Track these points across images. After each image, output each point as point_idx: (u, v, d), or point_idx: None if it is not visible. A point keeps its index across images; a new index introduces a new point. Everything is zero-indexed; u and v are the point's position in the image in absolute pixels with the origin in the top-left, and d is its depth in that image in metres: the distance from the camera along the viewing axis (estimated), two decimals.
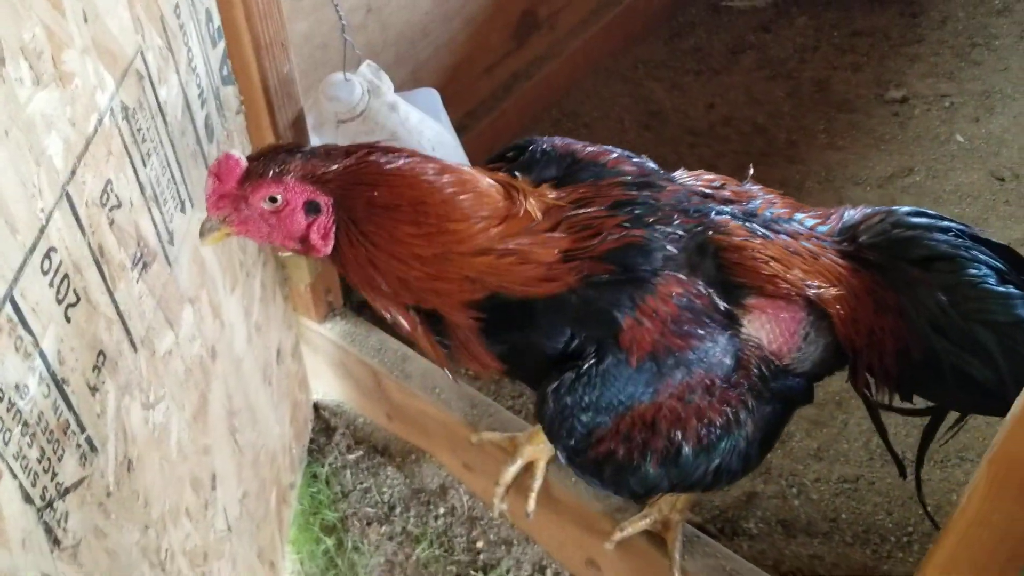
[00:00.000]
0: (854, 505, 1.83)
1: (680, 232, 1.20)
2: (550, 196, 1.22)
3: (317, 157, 1.18)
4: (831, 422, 1.96)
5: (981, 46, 2.76)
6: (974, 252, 1.23)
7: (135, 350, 1.09)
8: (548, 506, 1.65)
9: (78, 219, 0.94)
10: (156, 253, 1.14)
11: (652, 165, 1.34)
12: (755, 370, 1.23)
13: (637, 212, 1.20)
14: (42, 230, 0.87)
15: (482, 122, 2.28)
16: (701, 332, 1.19)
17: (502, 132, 2.34)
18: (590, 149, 1.34)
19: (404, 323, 1.23)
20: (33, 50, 0.84)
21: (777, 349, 1.25)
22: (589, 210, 1.20)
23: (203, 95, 1.29)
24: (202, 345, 1.31)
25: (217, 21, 1.33)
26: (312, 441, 1.95)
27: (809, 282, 1.24)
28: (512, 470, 1.64)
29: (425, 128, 1.63)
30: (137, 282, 1.08)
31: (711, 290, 1.20)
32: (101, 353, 1.00)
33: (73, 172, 0.93)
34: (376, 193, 1.16)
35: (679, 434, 1.21)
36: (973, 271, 1.22)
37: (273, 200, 1.16)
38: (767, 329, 1.23)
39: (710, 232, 1.21)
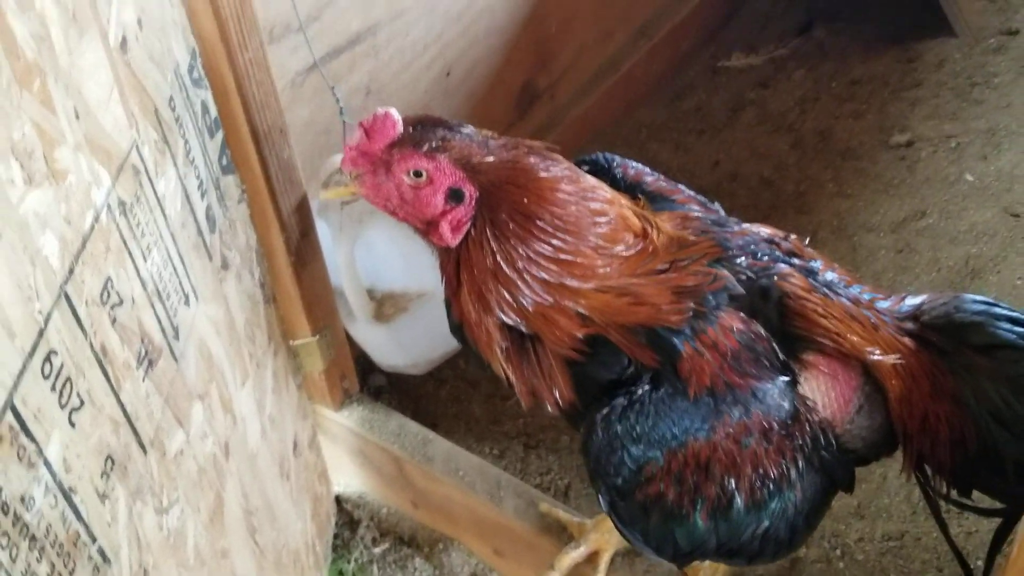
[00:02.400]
0: (901, 564, 1.75)
1: (748, 274, 1.16)
2: (668, 227, 1.19)
3: (475, 143, 1.12)
4: (870, 477, 1.88)
5: (981, 85, 2.74)
6: None
7: (144, 452, 1.04)
8: None
9: (78, 319, 0.90)
10: (161, 349, 1.11)
11: (720, 211, 1.32)
12: (808, 429, 1.17)
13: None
14: (41, 333, 0.84)
15: None
16: (760, 373, 1.14)
17: None
18: (661, 183, 1.32)
19: (496, 342, 1.15)
20: (24, 149, 0.82)
21: (831, 415, 1.19)
22: (695, 251, 1.16)
23: (203, 186, 1.27)
24: (214, 442, 1.27)
25: (214, 112, 1.32)
26: (336, 536, 1.88)
27: (868, 347, 1.19)
28: (574, 555, 1.52)
29: None
30: (143, 380, 1.05)
31: (770, 336, 1.16)
32: (109, 458, 0.96)
33: (71, 271, 0.90)
34: (525, 200, 1.10)
35: (733, 482, 1.14)
36: None
37: (418, 175, 1.10)
38: (823, 391, 1.18)
39: (775, 278, 1.17)
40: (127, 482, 0.99)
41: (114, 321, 0.98)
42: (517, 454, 1.96)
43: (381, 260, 1.69)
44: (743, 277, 1.15)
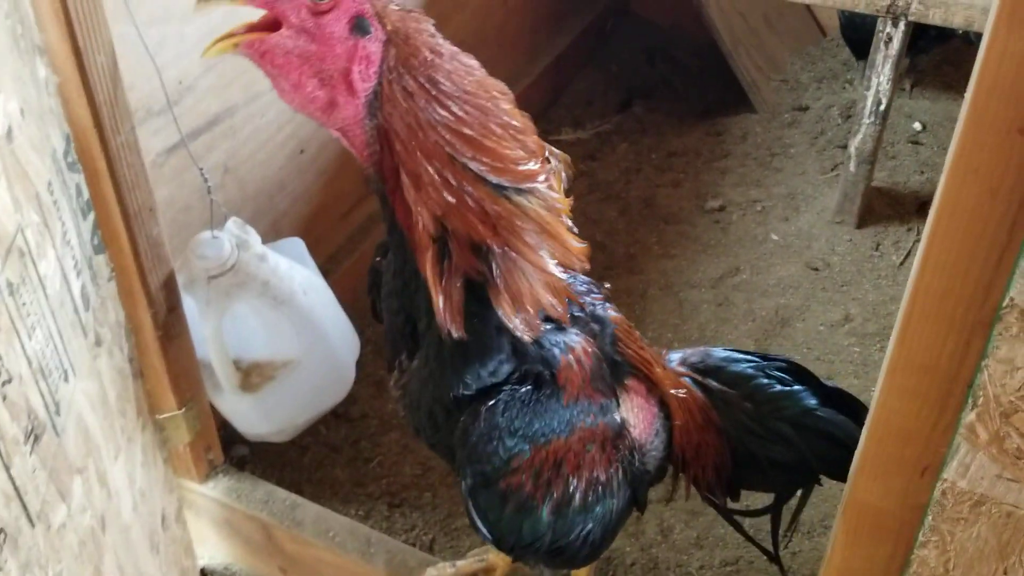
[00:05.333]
0: None
1: (591, 305, 1.32)
2: None
3: None
4: (706, 511, 2.06)
5: (780, 154, 3.08)
6: (764, 369, 1.47)
7: (33, 526, 1.07)
8: None
9: None
10: (45, 425, 1.14)
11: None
12: (627, 444, 1.33)
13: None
14: None
15: (343, 264, 2.35)
16: (604, 390, 1.29)
17: (363, 272, 2.41)
18: None
19: (424, 233, 1.08)
20: None
21: (639, 436, 1.36)
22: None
23: (77, 265, 1.31)
24: (92, 516, 1.29)
25: (87, 194, 1.37)
26: None
27: (667, 381, 1.40)
28: (476, 565, 1.63)
29: (295, 274, 1.69)
30: (30, 455, 1.08)
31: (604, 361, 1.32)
32: (2, 531, 0.98)
33: None
34: (429, 56, 1.04)
35: (574, 482, 1.26)
36: (764, 380, 1.45)
37: None
38: (635, 413, 1.35)
39: (608, 311, 1.34)
40: (18, 556, 1.02)
41: (4, 398, 1.02)
42: (382, 514, 2.03)
43: (247, 332, 1.74)
44: (587, 309, 1.31)
